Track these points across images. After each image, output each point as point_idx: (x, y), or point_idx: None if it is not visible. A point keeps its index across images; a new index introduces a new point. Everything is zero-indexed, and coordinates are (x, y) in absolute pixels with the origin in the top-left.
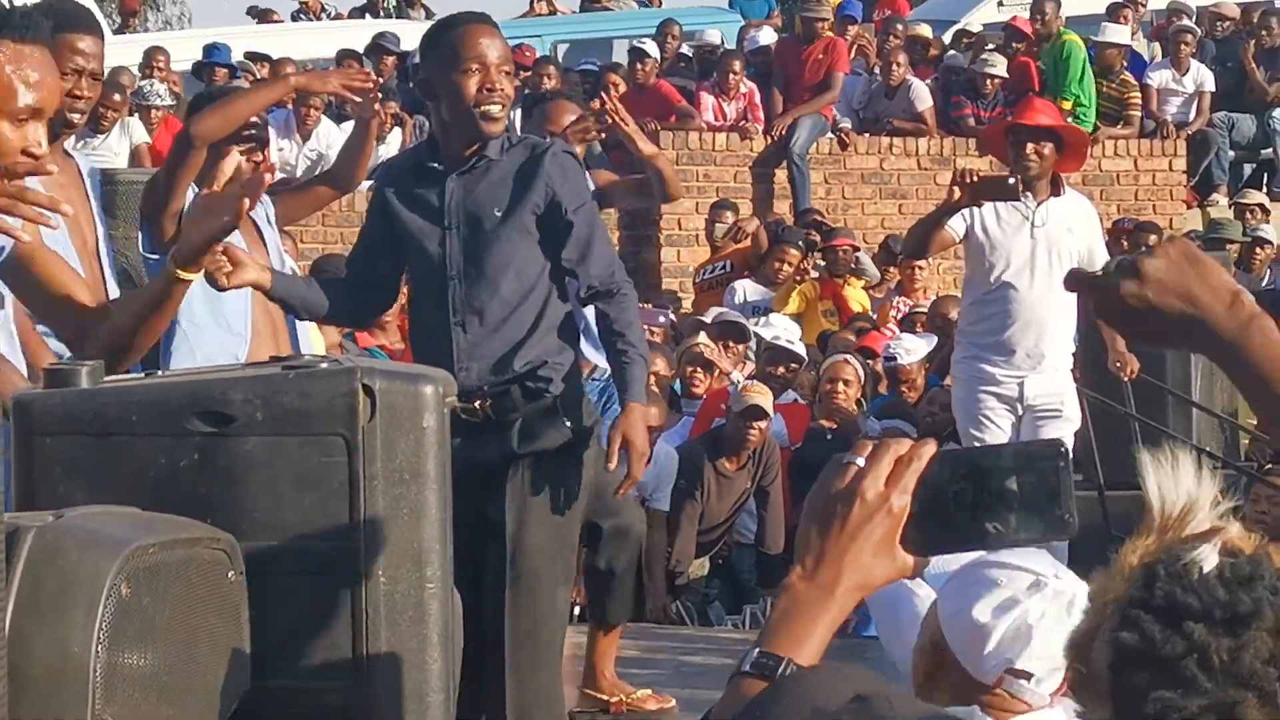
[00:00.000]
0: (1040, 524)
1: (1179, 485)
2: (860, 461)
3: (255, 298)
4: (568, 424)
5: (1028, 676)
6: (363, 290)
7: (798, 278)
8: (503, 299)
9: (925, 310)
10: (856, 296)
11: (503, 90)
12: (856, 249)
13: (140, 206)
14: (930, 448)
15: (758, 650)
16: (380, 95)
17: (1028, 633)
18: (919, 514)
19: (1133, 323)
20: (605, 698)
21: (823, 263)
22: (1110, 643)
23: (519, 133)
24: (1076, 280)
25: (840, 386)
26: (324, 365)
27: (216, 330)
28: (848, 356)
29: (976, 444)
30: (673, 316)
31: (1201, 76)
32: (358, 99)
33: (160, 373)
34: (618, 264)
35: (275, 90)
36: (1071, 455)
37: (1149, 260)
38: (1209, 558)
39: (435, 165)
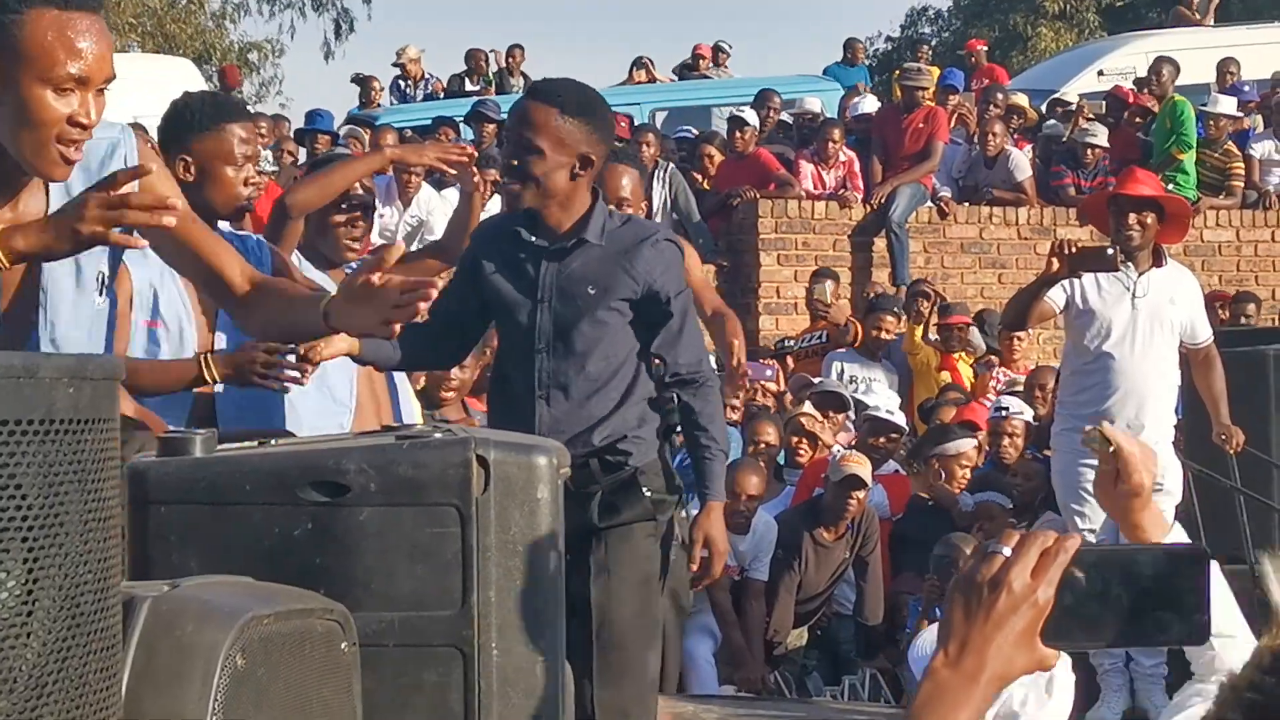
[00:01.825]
0: (1181, 627)
1: None
2: (1007, 551)
3: (359, 367)
4: (649, 494)
5: None
6: (442, 335)
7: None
8: (589, 375)
9: (1022, 383)
10: (965, 371)
11: None
12: (970, 325)
13: None
14: (1075, 541)
15: None
16: (478, 165)
17: None
18: (1059, 608)
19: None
20: None
21: (936, 336)
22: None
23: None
24: None
25: (961, 463)
26: (438, 435)
27: (321, 399)
28: (975, 438)
29: (1076, 517)
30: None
31: None
32: (453, 171)
33: (274, 442)
34: (705, 354)
35: (372, 162)
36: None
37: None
38: None
39: (533, 239)
